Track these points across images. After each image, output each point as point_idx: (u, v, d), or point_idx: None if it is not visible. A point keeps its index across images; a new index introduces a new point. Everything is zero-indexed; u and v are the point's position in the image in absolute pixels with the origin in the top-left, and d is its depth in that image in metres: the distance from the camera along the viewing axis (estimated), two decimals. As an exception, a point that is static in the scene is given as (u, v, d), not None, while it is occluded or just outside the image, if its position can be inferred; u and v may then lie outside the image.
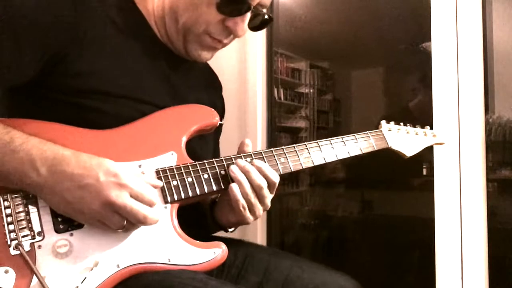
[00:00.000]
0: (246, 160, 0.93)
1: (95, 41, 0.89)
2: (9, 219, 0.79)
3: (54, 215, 0.81)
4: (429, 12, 1.53)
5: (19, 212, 0.80)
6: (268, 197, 0.94)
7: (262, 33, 1.95)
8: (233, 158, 0.94)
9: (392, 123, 1.14)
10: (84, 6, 0.89)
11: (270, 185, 0.93)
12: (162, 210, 0.87)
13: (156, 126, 0.93)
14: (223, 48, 1.03)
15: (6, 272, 0.76)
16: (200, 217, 1.05)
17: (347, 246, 2.11)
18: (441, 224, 1.49)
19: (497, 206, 1.51)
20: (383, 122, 1.13)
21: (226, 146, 1.19)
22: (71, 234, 0.81)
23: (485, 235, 1.44)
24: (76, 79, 0.88)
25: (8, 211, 0.79)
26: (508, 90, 1.55)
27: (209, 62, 1.13)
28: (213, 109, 0.99)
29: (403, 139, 1.13)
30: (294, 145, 1.00)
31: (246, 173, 0.91)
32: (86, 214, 0.78)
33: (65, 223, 0.81)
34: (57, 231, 0.81)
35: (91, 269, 0.80)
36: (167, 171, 0.89)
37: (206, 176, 0.91)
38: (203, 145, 1.04)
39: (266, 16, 1.00)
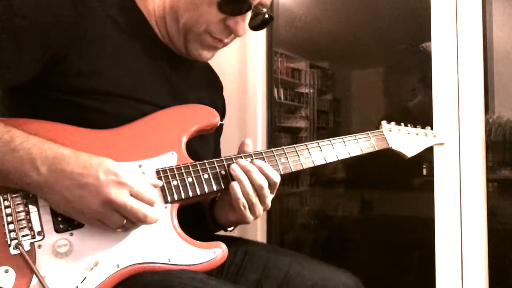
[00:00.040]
0: (247, 160, 0.93)
1: (95, 41, 0.89)
2: (9, 218, 0.79)
3: (54, 214, 0.81)
4: (429, 12, 1.53)
5: (19, 212, 0.80)
6: (269, 197, 0.94)
7: (262, 33, 1.95)
8: (233, 158, 0.94)
9: (393, 123, 1.14)
10: (84, 6, 0.89)
11: (271, 185, 0.93)
12: (162, 210, 0.87)
13: (157, 126, 0.93)
14: (224, 47, 1.03)
15: (6, 271, 0.76)
16: (200, 217, 1.05)
17: (347, 246, 2.11)
18: (441, 224, 1.49)
19: (497, 206, 1.51)
20: (383, 122, 1.13)
21: (226, 146, 1.19)
22: (71, 234, 0.81)
23: (485, 235, 1.44)
24: (77, 79, 0.87)
25: (8, 210, 0.79)
26: (508, 90, 1.55)
27: (209, 62, 1.13)
28: (213, 109, 0.99)
29: (404, 140, 1.13)
30: (295, 145, 1.00)
31: (247, 172, 0.91)
32: (86, 213, 0.78)
33: (65, 222, 0.81)
34: (57, 230, 0.81)
35: (91, 269, 0.80)
36: (167, 171, 0.89)
37: (206, 176, 0.91)
38: (203, 145, 1.04)
39: (266, 16, 1.00)
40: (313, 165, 1.00)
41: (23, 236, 0.79)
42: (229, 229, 1.05)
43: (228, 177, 0.92)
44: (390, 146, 1.10)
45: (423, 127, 1.18)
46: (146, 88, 0.96)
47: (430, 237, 1.51)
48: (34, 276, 0.77)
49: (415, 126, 1.17)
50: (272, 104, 2.03)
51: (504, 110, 1.57)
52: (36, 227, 0.80)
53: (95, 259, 0.81)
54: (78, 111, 0.88)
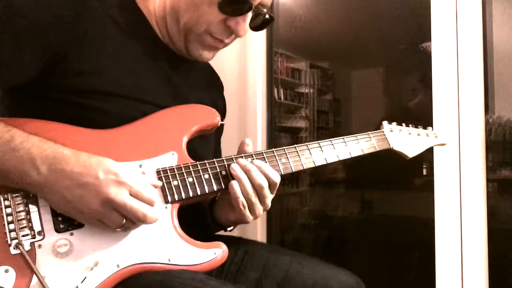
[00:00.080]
0: (247, 160, 0.93)
1: (95, 41, 0.89)
2: (10, 218, 0.79)
3: (55, 214, 0.81)
4: (429, 12, 1.53)
5: (19, 212, 0.79)
6: (269, 197, 0.94)
7: (262, 33, 1.95)
8: (234, 158, 0.94)
9: (394, 123, 1.14)
10: (84, 6, 0.89)
11: (271, 185, 0.93)
12: (163, 210, 0.87)
13: (157, 126, 0.93)
14: (224, 48, 1.03)
15: (6, 271, 0.76)
16: (200, 217, 1.04)
17: (347, 246, 2.10)
18: (441, 224, 1.49)
19: (497, 206, 1.51)
20: (385, 122, 1.13)
21: (227, 146, 1.19)
22: (71, 234, 0.81)
23: (485, 235, 1.44)
24: (77, 79, 0.88)
25: (9, 210, 0.79)
26: (508, 90, 1.55)
27: (209, 62, 1.13)
28: (214, 109, 0.99)
29: (405, 140, 1.12)
30: (295, 145, 1.00)
31: (247, 171, 0.91)
32: (86, 213, 0.78)
33: (66, 222, 0.81)
34: (58, 230, 0.81)
35: (91, 269, 0.80)
36: (168, 171, 0.89)
37: (206, 176, 0.91)
38: (204, 145, 1.04)
39: (267, 16, 1.00)
40: (314, 165, 1.00)
41: (24, 236, 0.79)
42: (229, 228, 1.05)
43: (229, 177, 0.92)
44: (391, 147, 1.10)
45: (424, 127, 1.18)
46: (147, 88, 0.96)
47: (430, 237, 1.51)
48: (34, 276, 0.77)
49: (416, 126, 1.17)
50: (272, 104, 2.03)
51: (504, 110, 1.57)
52: (37, 227, 0.80)
53: (95, 259, 0.81)
54: (78, 111, 0.88)
